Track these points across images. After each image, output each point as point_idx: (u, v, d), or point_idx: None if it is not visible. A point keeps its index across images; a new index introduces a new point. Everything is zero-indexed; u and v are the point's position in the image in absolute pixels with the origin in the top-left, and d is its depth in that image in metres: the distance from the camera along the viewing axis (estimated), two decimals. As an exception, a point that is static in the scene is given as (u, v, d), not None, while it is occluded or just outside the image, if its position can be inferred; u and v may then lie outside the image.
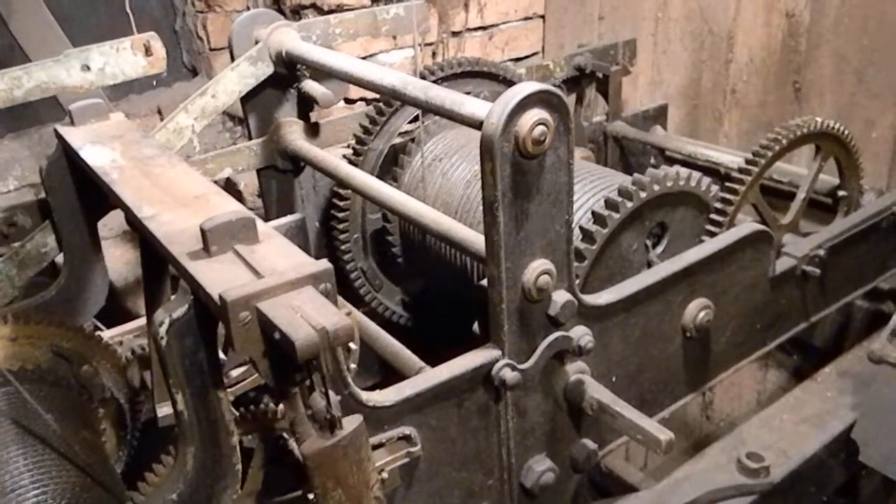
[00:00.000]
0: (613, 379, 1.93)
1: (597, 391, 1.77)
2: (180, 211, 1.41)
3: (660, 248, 2.15)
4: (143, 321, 2.19)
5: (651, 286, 1.90)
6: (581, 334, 1.72)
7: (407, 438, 1.60)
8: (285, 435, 1.50)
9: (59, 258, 2.24)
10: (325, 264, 1.15)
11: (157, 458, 2.02)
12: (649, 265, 2.14)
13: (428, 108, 1.72)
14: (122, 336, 2.15)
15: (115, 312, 2.41)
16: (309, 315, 1.06)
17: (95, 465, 1.62)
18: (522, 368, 1.66)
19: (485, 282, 1.79)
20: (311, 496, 1.18)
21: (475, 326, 1.83)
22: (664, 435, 1.64)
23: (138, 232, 1.46)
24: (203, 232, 1.23)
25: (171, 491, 1.33)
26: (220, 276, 1.18)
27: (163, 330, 1.21)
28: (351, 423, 1.16)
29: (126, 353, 2.06)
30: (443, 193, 2.46)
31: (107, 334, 2.07)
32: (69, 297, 2.04)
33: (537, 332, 1.71)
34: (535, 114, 1.42)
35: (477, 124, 1.51)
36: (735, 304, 2.12)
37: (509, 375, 1.62)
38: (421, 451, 1.62)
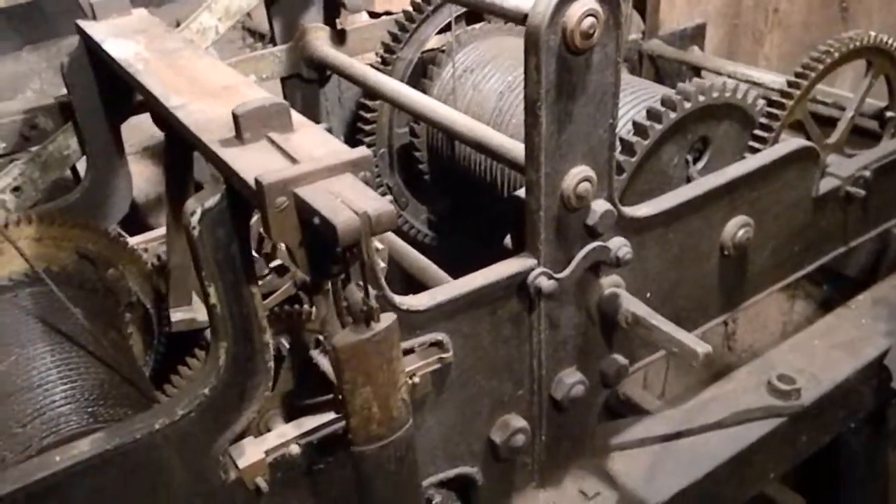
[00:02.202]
0: (648, 295, 1.88)
1: (632, 304, 1.72)
2: (209, 101, 1.35)
3: (700, 164, 2.07)
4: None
5: (692, 200, 1.83)
6: (619, 245, 1.66)
7: (439, 345, 1.57)
8: (317, 341, 1.47)
9: (82, 164, 2.20)
10: (364, 151, 1.09)
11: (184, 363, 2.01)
12: (688, 181, 2.06)
13: (468, 2, 1.63)
14: (147, 243, 2.11)
15: (136, 228, 2.38)
16: (350, 200, 1.00)
17: (123, 363, 1.61)
18: (559, 278, 1.61)
19: (520, 191, 1.73)
20: (339, 394, 1.15)
21: (507, 240, 1.78)
22: (701, 347, 1.59)
23: (165, 123, 1.40)
24: (236, 118, 1.17)
25: (204, 386, 1.30)
26: (254, 163, 1.12)
27: (194, 220, 1.16)
28: (385, 319, 1.12)
29: (152, 259, 2.03)
30: (474, 106, 2.38)
31: (132, 241, 2.03)
32: (93, 200, 2.00)
33: (574, 242, 1.65)
34: (585, 4, 1.33)
35: (520, 18, 1.42)
36: (775, 224, 2.05)
37: (545, 284, 1.57)
38: (452, 357, 1.59)
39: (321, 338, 1.29)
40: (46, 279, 1.53)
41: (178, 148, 1.60)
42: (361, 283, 1.07)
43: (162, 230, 2.21)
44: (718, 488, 2.08)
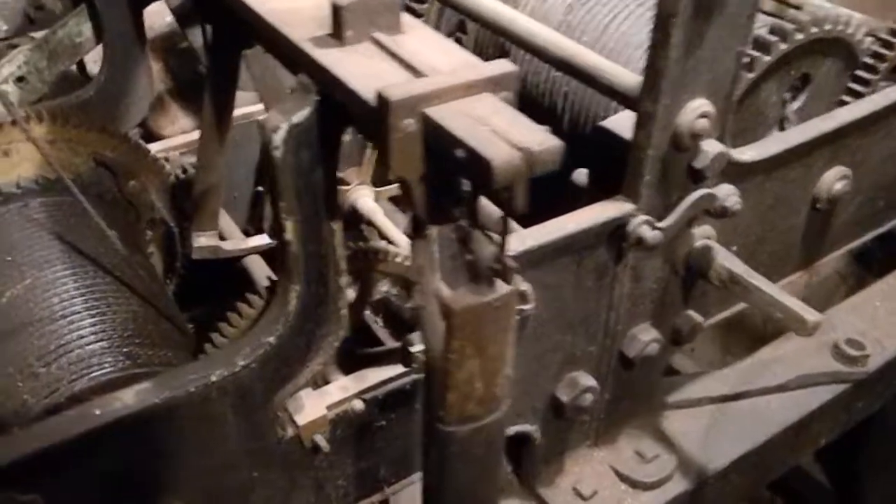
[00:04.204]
0: (734, 249, 1.69)
1: (727, 259, 1.54)
2: (286, -13, 1.10)
3: (796, 104, 1.86)
4: (190, 136, 1.91)
5: (798, 147, 1.63)
6: (728, 194, 1.47)
7: (521, 295, 1.38)
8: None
9: (90, 59, 1.93)
10: (508, 65, 0.86)
11: (210, 288, 1.81)
12: (781, 123, 1.86)
13: None
14: (168, 152, 1.87)
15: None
16: (502, 129, 0.78)
17: (157, 292, 1.40)
18: (661, 227, 1.41)
19: (608, 122, 1.52)
20: (439, 363, 0.95)
21: (579, 176, 1.57)
22: (812, 315, 1.42)
23: (214, 13, 1.15)
24: (338, 10, 0.93)
25: (269, 334, 1.10)
26: (363, 70, 0.90)
27: (278, 138, 0.94)
28: (502, 283, 0.92)
29: (175, 171, 1.79)
30: (535, 18, 2.11)
31: (152, 148, 1.79)
32: (109, 98, 1.74)
33: (674, 186, 1.45)
34: None
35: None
36: (869, 176, 1.86)
37: (649, 234, 1.38)
38: (533, 310, 1.40)
39: (414, 289, 1.08)
40: (72, 186, 1.29)
41: (228, 44, 1.34)
42: (494, 233, 0.86)
43: (182, 138, 1.96)
44: (775, 454, 1.96)
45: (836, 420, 2.10)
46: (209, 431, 1.14)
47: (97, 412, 1.02)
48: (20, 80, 1.76)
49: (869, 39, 1.88)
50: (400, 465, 1.43)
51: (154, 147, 1.85)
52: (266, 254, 1.65)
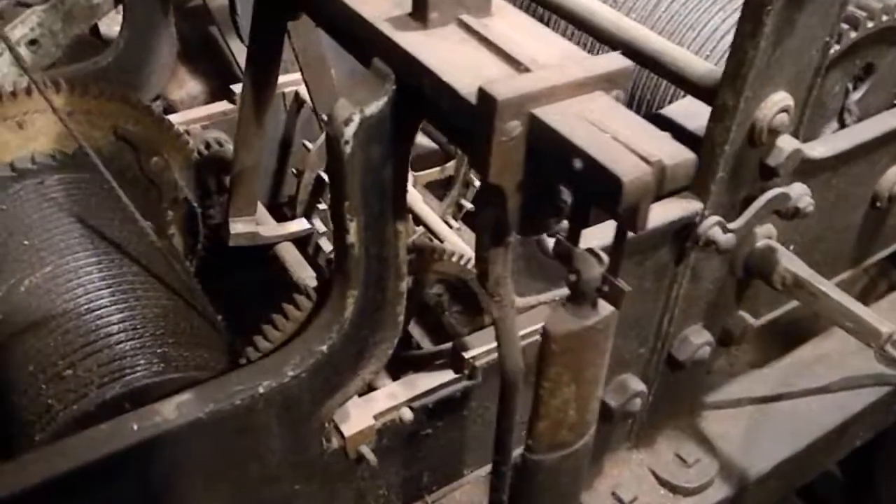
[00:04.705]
0: (791, 248, 1.60)
1: (791, 263, 1.45)
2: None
3: (858, 94, 1.75)
4: (216, 106, 1.80)
5: (865, 143, 1.53)
6: (801, 194, 1.37)
7: (578, 298, 1.28)
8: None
9: (103, 22, 1.80)
10: (622, 60, 0.76)
11: (226, 271, 1.71)
12: (841, 114, 1.75)
13: None
14: (189, 125, 1.74)
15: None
16: (626, 138, 0.68)
17: (187, 284, 1.29)
18: (733, 229, 1.31)
19: (668, 110, 1.41)
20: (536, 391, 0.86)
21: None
22: (886, 327, 1.34)
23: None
24: (421, -12, 0.82)
25: (320, 341, 1.01)
26: (456, 59, 0.79)
27: (349, 131, 0.83)
28: (605, 305, 0.83)
29: (199, 145, 1.67)
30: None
31: (177, 118, 1.67)
32: (129, 65, 1.62)
33: (744, 184, 1.36)
34: None
35: None
36: (929, 174, 1.77)
37: (722, 238, 1.28)
38: (589, 313, 1.31)
39: (492, 300, 0.98)
40: (98, 163, 1.17)
41: (273, 13, 1.22)
42: (604, 253, 0.76)
43: (205, 110, 1.84)
44: (815, 457, 1.89)
45: (875, 422, 2.03)
46: (251, 444, 1.05)
47: (134, 427, 0.93)
48: (32, 42, 1.63)
49: (938, 28, 1.76)
50: (443, 473, 1.35)
51: (175, 118, 1.72)
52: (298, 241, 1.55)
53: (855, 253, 1.83)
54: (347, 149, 0.84)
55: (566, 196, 0.77)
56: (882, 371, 1.96)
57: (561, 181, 0.73)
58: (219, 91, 2.21)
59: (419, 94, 0.82)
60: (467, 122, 0.74)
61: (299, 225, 1.48)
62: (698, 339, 1.55)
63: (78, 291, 1.17)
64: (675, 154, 0.67)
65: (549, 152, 0.71)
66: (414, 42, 0.81)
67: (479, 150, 0.73)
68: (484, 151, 0.72)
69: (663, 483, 1.72)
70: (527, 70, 0.76)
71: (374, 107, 0.84)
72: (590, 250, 0.78)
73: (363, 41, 0.88)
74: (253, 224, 1.48)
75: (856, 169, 1.59)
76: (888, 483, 2.90)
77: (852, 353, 2.01)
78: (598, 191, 0.67)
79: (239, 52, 2.23)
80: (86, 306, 1.14)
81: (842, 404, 1.90)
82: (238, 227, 1.46)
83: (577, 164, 0.67)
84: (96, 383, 1.03)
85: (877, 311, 2.11)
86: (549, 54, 0.79)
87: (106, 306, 1.14)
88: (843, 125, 1.79)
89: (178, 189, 1.58)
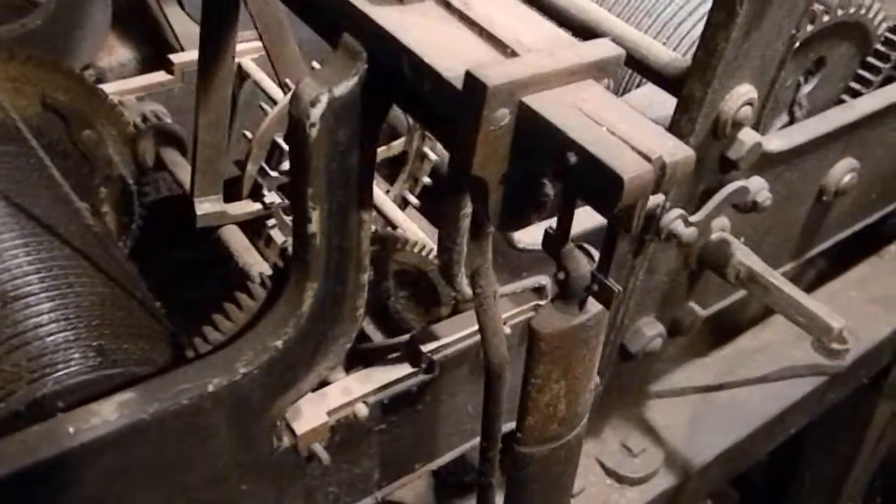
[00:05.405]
0: (742, 240, 1.61)
1: (746, 256, 1.45)
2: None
3: (808, 87, 1.77)
4: (153, 77, 1.69)
5: (819, 138, 1.55)
6: (759, 188, 1.37)
7: (539, 291, 1.25)
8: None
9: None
10: (612, 47, 0.71)
11: (163, 253, 1.63)
12: (791, 107, 1.77)
13: None
14: (123, 95, 1.63)
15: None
16: (622, 131, 0.64)
17: (123, 269, 1.20)
18: (694, 222, 1.30)
19: (629, 96, 1.39)
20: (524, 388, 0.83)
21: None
22: (837, 322, 1.36)
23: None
24: (397, -41, 0.76)
25: (276, 336, 0.94)
26: (436, 39, 0.73)
27: (316, 113, 0.76)
28: (594, 301, 0.79)
29: (135, 118, 1.56)
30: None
31: (110, 89, 1.55)
32: (60, 29, 1.49)
33: (704, 176, 1.35)
34: None
35: None
36: (871, 168, 1.81)
37: (684, 231, 1.27)
38: (549, 305, 1.28)
39: (465, 289, 0.94)
40: (28, 135, 1.07)
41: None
42: (595, 252, 0.73)
43: (141, 80, 1.72)
44: (754, 446, 1.93)
45: (809, 411, 2.08)
46: (197, 444, 0.98)
47: (70, 430, 0.85)
48: (-52, 1, 1.49)
49: (885, 25, 1.80)
50: (394, 468, 1.30)
51: (109, 88, 1.60)
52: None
53: (799, 245, 1.86)
54: (313, 132, 0.78)
55: (549, 190, 0.73)
56: (818, 361, 2.01)
57: (547, 175, 0.69)
58: (151, 59, 2.08)
59: (393, 74, 0.77)
60: (450, 108, 0.69)
61: (271, 198, 1.39)
62: (651, 331, 1.54)
63: (3, 276, 1.06)
64: (675, 150, 0.63)
65: (539, 144, 0.66)
66: (389, 18, 0.75)
67: (463, 140, 0.68)
68: (468, 141, 0.67)
69: (610, 473, 1.72)
70: (514, 54, 0.71)
71: (344, 87, 0.77)
72: (580, 247, 0.74)
73: (330, 14, 0.81)
74: (220, 203, 1.39)
75: (807, 163, 1.60)
76: (812, 467, 3.01)
77: (790, 342, 2.06)
78: (593, 188, 0.63)
79: (175, 18, 2.11)
80: (12, 293, 1.04)
81: (779, 394, 1.94)
82: (205, 206, 1.38)
83: (572, 158, 0.63)
84: (25, 379, 0.94)
85: (826, 296, 2.18)
86: (535, 37, 0.74)
87: (35, 293, 1.04)
88: (792, 118, 1.81)
89: (112, 165, 1.47)
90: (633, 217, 0.64)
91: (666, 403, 1.88)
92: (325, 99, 0.77)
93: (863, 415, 2.69)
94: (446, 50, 0.71)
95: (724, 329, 2.07)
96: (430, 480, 1.74)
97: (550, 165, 0.67)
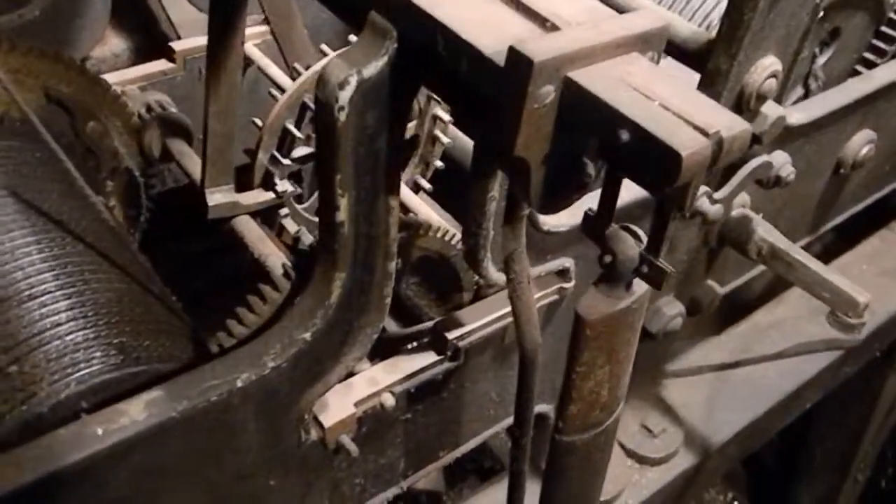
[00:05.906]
0: (761, 215, 1.58)
1: (768, 232, 1.43)
2: None
3: (823, 59, 1.74)
4: (154, 65, 1.64)
5: (838, 110, 1.52)
6: (783, 162, 1.34)
7: (563, 273, 1.23)
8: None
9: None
10: (657, 16, 0.68)
11: (170, 245, 1.60)
12: (806, 79, 1.74)
13: None
14: (125, 86, 1.59)
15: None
16: (676, 106, 0.61)
17: (138, 264, 1.17)
18: (719, 199, 1.28)
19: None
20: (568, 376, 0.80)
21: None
22: (862, 296, 1.34)
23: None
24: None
25: (303, 328, 0.92)
26: (472, 15, 0.70)
27: (345, 96, 0.73)
28: (639, 282, 0.77)
29: (139, 108, 1.53)
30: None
31: (110, 79, 1.51)
32: (59, 19, 1.45)
33: (725, 151, 1.32)
34: None
35: None
36: (888, 139, 1.78)
37: (710, 209, 1.24)
38: (572, 288, 1.26)
39: (491, 275, 0.91)
40: (38, 123, 1.04)
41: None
42: (648, 234, 0.70)
43: (142, 69, 1.68)
44: (771, 422, 1.92)
45: (824, 386, 2.07)
46: (225, 441, 0.95)
47: (99, 431, 0.82)
48: (-57, -9, 1.45)
49: (899, -7, 1.77)
50: (419, 457, 1.28)
51: (112, 78, 1.56)
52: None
53: (815, 220, 1.84)
54: (342, 116, 0.75)
55: (591, 170, 0.70)
56: (833, 335, 2.00)
57: (588, 154, 0.66)
58: (146, 48, 2.03)
59: (423, 53, 0.74)
60: (490, 87, 0.66)
61: (280, 188, 1.35)
62: (671, 311, 1.52)
63: (17, 276, 1.03)
64: (732, 125, 0.61)
65: (586, 122, 0.64)
66: (421, -6, 0.72)
67: (505, 120, 0.65)
68: (511, 121, 0.64)
69: (630, 454, 1.70)
70: (554, 28, 0.68)
71: (373, 67, 0.74)
72: (626, 227, 0.71)
73: (357, -8, 0.78)
74: (232, 193, 1.36)
75: (826, 136, 1.58)
76: (822, 442, 3.01)
77: (804, 318, 2.04)
78: (647, 166, 0.60)
79: (171, 4, 2.06)
80: (27, 292, 1.01)
81: (796, 369, 1.93)
82: (216, 197, 1.34)
83: (624, 135, 0.60)
84: (46, 380, 0.91)
85: (861, 255, 2.17)
86: (573, 10, 0.71)
87: (50, 291, 1.01)
88: (807, 91, 1.78)
89: (118, 157, 1.43)
90: (686, 195, 0.61)
91: (682, 382, 1.86)
92: (354, 81, 0.74)
93: (873, 387, 2.69)
94: (482, 25, 0.68)
95: (735, 306, 2.05)
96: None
97: (596, 144, 0.64)
